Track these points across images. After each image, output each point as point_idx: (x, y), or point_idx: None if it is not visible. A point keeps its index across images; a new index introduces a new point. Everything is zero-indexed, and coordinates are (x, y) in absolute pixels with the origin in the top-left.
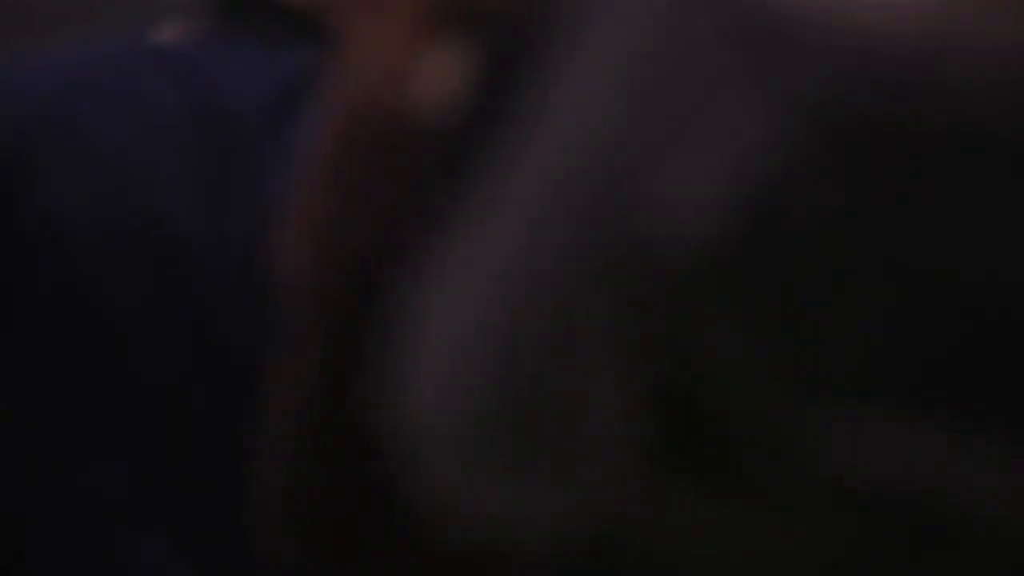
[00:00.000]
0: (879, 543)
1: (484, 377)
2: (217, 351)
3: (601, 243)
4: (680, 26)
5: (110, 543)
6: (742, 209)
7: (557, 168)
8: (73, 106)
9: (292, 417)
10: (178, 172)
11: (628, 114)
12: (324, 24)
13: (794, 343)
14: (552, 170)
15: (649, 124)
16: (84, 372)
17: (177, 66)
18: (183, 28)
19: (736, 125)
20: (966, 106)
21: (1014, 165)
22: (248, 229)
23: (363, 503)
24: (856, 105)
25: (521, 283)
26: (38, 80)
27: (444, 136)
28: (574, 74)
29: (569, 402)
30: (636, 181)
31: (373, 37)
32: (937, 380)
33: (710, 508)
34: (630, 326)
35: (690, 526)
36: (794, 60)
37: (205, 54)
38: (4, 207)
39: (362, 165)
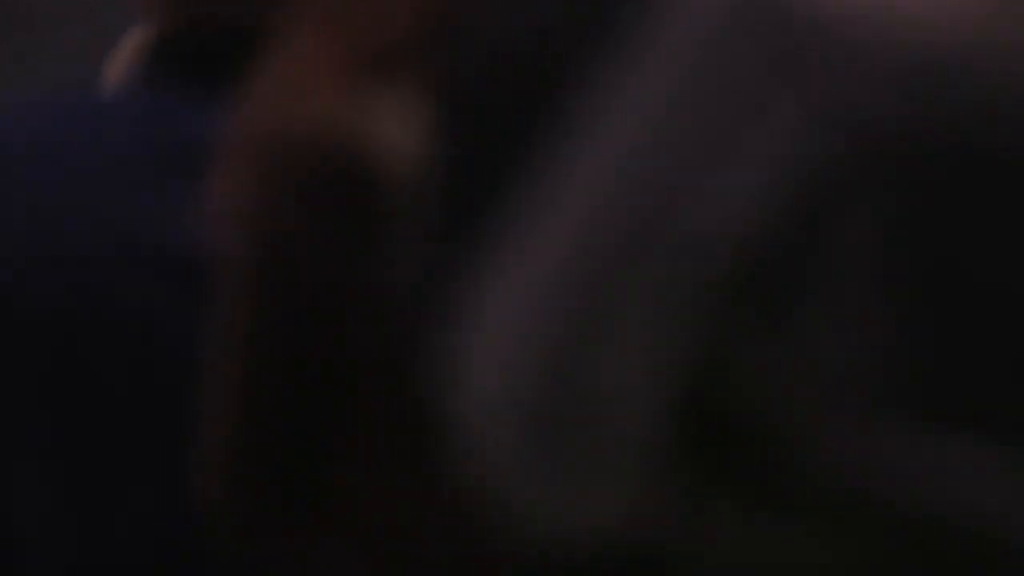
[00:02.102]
0: (913, 559)
1: (530, 377)
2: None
3: (647, 252)
4: (726, 46)
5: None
6: (785, 220)
7: (606, 178)
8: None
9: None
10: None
11: (675, 129)
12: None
13: (832, 353)
14: (601, 180)
15: (695, 138)
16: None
17: (128, 114)
18: (125, 75)
19: (780, 140)
20: (1008, 116)
21: None
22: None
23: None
24: (899, 119)
25: (570, 287)
26: None
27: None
28: (623, 90)
29: (611, 406)
30: (682, 192)
31: (291, 76)
32: (978, 395)
33: (742, 518)
34: (672, 330)
35: (722, 535)
36: (837, 76)
37: (155, 99)
38: None
39: (273, 201)
